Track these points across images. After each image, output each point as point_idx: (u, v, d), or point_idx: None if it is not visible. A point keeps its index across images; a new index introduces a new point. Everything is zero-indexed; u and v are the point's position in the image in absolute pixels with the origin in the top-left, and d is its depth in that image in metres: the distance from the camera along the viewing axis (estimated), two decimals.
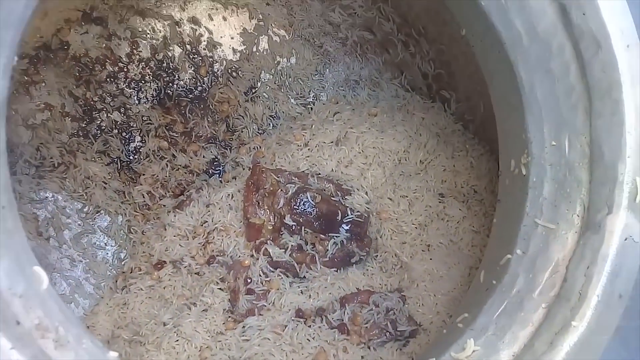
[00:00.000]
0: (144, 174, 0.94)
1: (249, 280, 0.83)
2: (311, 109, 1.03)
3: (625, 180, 0.48)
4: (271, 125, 1.01)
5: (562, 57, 0.52)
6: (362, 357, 0.75)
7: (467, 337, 0.50)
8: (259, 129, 1.01)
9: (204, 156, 0.98)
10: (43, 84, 0.87)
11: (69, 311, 0.41)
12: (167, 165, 0.95)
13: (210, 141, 0.99)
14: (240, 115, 1.00)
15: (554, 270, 0.49)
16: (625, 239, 0.47)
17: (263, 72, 1.01)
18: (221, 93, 0.99)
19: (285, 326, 0.79)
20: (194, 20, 0.95)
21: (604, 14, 0.49)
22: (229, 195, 0.89)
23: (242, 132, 1.00)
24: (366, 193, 0.88)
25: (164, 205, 0.94)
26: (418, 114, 0.94)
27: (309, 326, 0.79)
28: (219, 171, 0.99)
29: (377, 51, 1.01)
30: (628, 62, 0.49)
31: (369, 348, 0.76)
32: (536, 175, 0.55)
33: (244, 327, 0.79)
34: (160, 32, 0.94)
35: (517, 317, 0.49)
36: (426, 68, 0.96)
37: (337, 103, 1.01)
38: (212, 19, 0.96)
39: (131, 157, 0.95)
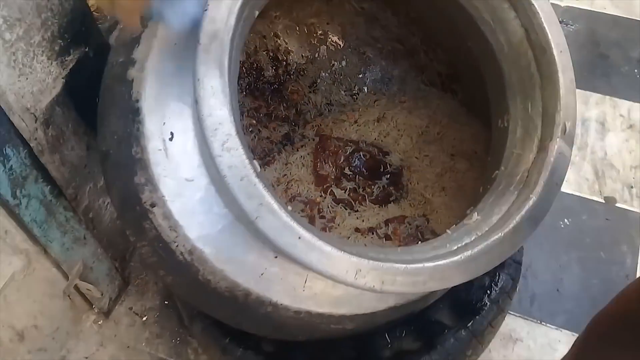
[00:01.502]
0: None
1: (320, 211, 1.06)
2: (356, 98, 1.24)
3: (559, 123, 0.80)
4: (327, 110, 1.23)
5: (526, 57, 0.86)
6: None
7: (472, 212, 0.83)
8: (318, 112, 1.22)
9: (280, 131, 1.18)
10: None
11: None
12: (255, 137, 1.15)
13: (285, 120, 1.19)
14: (305, 103, 1.22)
15: (522, 175, 0.82)
16: (559, 153, 0.79)
17: (322, 71, 1.24)
18: (292, 86, 1.22)
19: (348, 237, 1.01)
20: (276, 35, 1.19)
21: (549, 34, 0.82)
22: (301, 156, 1.14)
23: (307, 114, 1.22)
24: (399, 154, 1.14)
25: None
26: (435, 101, 1.18)
27: (364, 237, 1.01)
28: (290, 141, 1.18)
29: (405, 57, 1.21)
30: (561, 61, 0.82)
31: None
32: (513, 125, 0.87)
33: None
34: (252, 43, 1.18)
35: (502, 200, 0.81)
36: (441, 69, 1.17)
37: (375, 94, 1.24)
38: (288, 34, 1.20)
39: None
